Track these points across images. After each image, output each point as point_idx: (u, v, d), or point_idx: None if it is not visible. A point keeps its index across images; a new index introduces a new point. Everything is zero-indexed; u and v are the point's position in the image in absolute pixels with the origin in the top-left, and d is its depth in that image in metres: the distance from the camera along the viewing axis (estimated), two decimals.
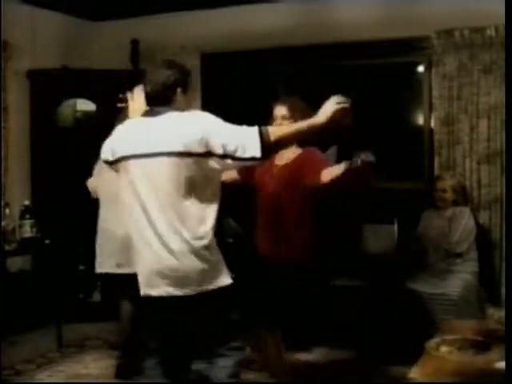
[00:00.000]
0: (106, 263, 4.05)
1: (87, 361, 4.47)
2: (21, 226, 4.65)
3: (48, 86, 5.39)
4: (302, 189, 3.68)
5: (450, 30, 4.83)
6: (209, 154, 2.58)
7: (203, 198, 2.64)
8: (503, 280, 4.68)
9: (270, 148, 2.60)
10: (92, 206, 4.14)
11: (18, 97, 5.36)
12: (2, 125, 5.17)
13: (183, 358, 2.78)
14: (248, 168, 3.46)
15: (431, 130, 5.13)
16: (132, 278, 3.65)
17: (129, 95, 3.16)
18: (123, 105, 3.21)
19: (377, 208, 5.02)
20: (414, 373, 2.55)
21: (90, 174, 4.27)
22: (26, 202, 4.77)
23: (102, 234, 4.11)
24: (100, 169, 4.05)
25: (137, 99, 3.11)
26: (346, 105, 2.66)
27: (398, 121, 5.71)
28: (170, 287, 2.64)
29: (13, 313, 4.74)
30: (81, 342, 4.84)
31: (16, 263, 5.04)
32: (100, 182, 4.10)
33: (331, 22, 5.20)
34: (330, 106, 2.65)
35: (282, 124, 3.55)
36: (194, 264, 2.61)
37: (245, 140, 2.58)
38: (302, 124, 2.70)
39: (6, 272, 4.86)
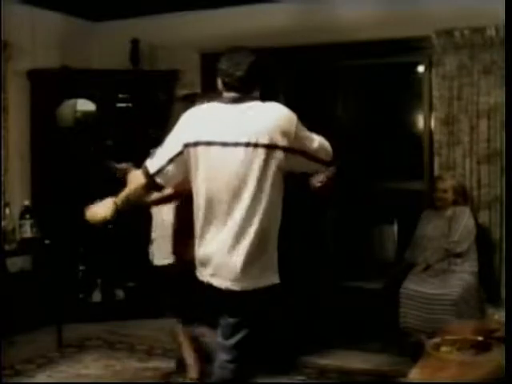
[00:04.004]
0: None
1: (87, 361, 4.47)
2: (21, 225, 4.65)
3: (48, 86, 5.38)
4: None
5: (450, 30, 4.82)
6: (291, 150, 2.56)
7: (272, 195, 2.57)
8: (503, 280, 4.68)
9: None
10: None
11: (17, 97, 5.35)
12: (2, 125, 5.16)
13: None
14: None
15: (431, 130, 5.12)
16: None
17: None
18: None
19: (377, 208, 5.02)
20: (414, 373, 2.55)
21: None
22: (26, 202, 4.78)
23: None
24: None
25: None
26: None
27: (397, 121, 5.71)
28: (227, 281, 2.56)
29: (13, 313, 4.73)
30: (81, 342, 4.84)
31: (16, 263, 5.03)
32: None
33: (331, 22, 5.20)
34: None
35: None
36: (248, 260, 2.54)
37: (321, 143, 2.65)
38: None
39: (6, 272, 4.86)
